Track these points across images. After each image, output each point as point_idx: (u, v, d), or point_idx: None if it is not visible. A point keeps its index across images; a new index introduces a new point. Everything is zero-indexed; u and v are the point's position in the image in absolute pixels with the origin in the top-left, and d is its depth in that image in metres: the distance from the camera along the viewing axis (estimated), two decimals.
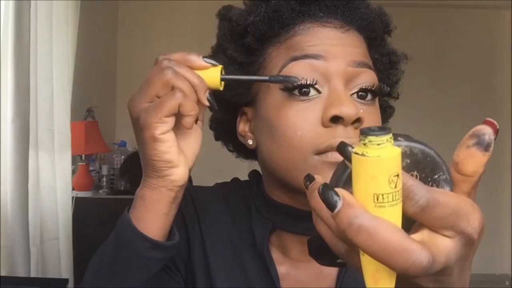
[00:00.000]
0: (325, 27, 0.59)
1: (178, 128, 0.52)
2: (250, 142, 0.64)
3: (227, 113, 0.67)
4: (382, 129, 0.31)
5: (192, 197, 0.70)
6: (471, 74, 3.72)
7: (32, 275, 1.80)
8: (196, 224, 0.68)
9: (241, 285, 0.65)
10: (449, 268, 0.34)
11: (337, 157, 0.47)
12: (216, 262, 0.66)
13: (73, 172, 2.36)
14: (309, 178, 0.37)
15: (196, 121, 0.54)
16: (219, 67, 0.54)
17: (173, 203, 0.54)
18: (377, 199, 0.31)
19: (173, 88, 0.50)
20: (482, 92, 3.73)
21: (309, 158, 0.56)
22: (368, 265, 0.33)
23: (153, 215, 0.53)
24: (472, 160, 0.34)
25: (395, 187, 0.31)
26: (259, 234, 0.65)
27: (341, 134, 0.55)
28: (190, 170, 0.55)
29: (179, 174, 0.53)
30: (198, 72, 0.52)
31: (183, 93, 0.49)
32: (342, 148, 0.34)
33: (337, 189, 0.32)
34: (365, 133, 0.31)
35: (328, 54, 0.58)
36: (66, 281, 1.72)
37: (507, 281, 3.74)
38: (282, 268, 0.66)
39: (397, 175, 0.31)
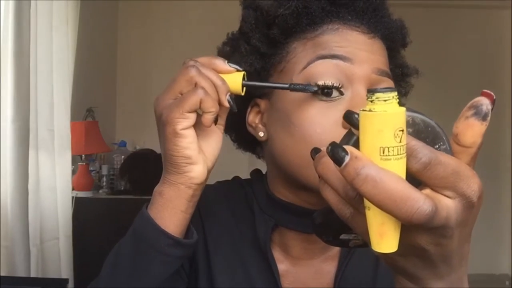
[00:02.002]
0: (353, 31, 0.60)
1: (199, 128, 0.54)
2: (261, 134, 0.65)
3: (237, 102, 0.67)
4: (388, 88, 0.33)
5: None
6: (471, 74, 3.72)
7: (32, 275, 1.80)
8: (199, 221, 0.69)
9: (242, 282, 0.66)
10: (449, 228, 0.35)
11: None
12: (217, 259, 0.67)
13: (73, 172, 2.36)
14: (316, 150, 0.39)
15: (215, 122, 0.55)
16: (242, 72, 0.56)
17: (190, 201, 0.55)
18: (383, 152, 0.33)
19: (196, 85, 0.51)
20: None
21: None
22: (373, 219, 0.34)
23: (170, 212, 0.54)
24: (471, 130, 0.36)
25: (400, 141, 0.32)
26: (261, 232, 0.66)
27: None
28: (209, 172, 0.56)
29: (197, 171, 0.54)
30: (222, 76, 0.54)
31: (205, 90, 0.51)
32: (349, 116, 0.35)
33: (344, 146, 0.34)
34: (372, 91, 0.33)
35: (355, 58, 0.58)
36: (66, 281, 1.72)
37: (507, 281, 3.74)
38: (283, 266, 0.66)
39: (402, 130, 0.33)
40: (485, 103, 0.36)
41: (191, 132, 0.52)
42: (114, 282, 0.55)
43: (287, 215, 0.65)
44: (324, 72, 0.57)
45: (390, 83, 0.60)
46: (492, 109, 0.36)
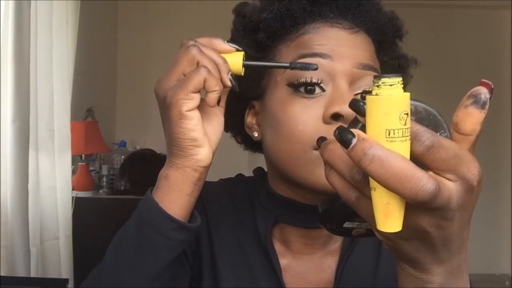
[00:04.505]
0: (334, 28, 0.61)
1: (202, 111, 0.53)
2: (256, 134, 0.67)
3: (237, 105, 0.69)
4: (394, 74, 0.35)
5: None
6: (471, 74, 3.72)
7: (32, 275, 1.80)
8: (203, 216, 0.70)
9: (244, 276, 0.67)
10: (451, 210, 0.37)
11: None
12: (221, 254, 0.68)
13: (73, 172, 2.36)
14: (322, 139, 0.41)
15: (219, 102, 0.55)
16: (242, 52, 0.56)
17: (196, 184, 0.55)
18: (389, 134, 0.34)
19: (198, 64, 0.51)
20: None
21: (308, 152, 0.58)
22: (379, 199, 0.35)
23: (176, 195, 0.54)
24: (470, 118, 0.37)
25: (405, 124, 0.34)
26: (262, 227, 0.67)
27: None
28: (213, 155, 0.56)
29: (203, 154, 0.53)
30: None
31: (208, 69, 0.51)
32: (355, 103, 0.37)
33: (351, 129, 0.35)
34: (378, 76, 0.35)
35: (335, 54, 0.59)
36: (66, 281, 1.72)
37: (507, 281, 3.74)
38: (284, 260, 0.68)
39: (407, 114, 0.34)
40: (483, 92, 0.37)
41: (196, 114, 0.51)
42: (118, 265, 0.55)
43: (286, 210, 0.66)
44: (306, 71, 0.59)
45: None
46: (490, 98, 0.37)
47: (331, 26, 0.62)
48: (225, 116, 0.73)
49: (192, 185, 0.54)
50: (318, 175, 0.57)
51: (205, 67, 0.51)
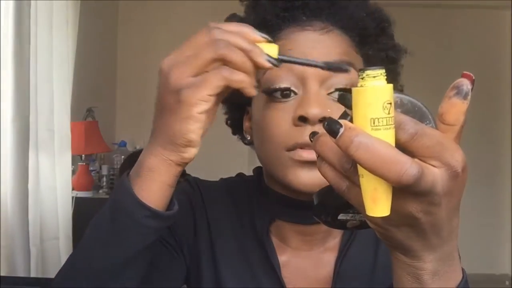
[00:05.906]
0: (304, 31, 0.63)
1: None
2: (249, 137, 0.71)
3: (235, 111, 0.73)
4: (377, 66, 0.37)
5: (199, 188, 0.74)
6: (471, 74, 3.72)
7: (32, 275, 1.80)
8: (203, 213, 0.72)
9: (245, 273, 0.69)
10: (436, 195, 0.38)
11: (303, 155, 0.59)
12: (220, 250, 0.70)
13: (73, 172, 2.36)
14: (314, 134, 0.43)
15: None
16: (277, 46, 0.50)
17: (178, 176, 0.54)
18: (374, 123, 0.36)
19: (224, 61, 0.47)
20: (482, 92, 3.71)
21: (281, 154, 0.62)
22: (367, 185, 0.37)
23: (159, 186, 0.53)
24: (453, 109, 0.39)
25: (389, 113, 0.36)
26: (259, 224, 0.70)
27: (308, 132, 0.60)
28: None
29: (192, 153, 0.51)
30: None
31: (230, 69, 0.47)
32: (343, 97, 0.39)
33: (339, 120, 0.38)
34: (363, 69, 0.37)
35: (304, 57, 0.60)
36: None
37: (507, 281, 3.74)
38: (283, 257, 0.69)
39: (390, 103, 0.36)
40: (465, 84, 0.39)
41: (204, 117, 0.48)
42: (91, 248, 0.55)
43: (282, 207, 0.68)
44: (277, 77, 0.61)
45: (348, 73, 0.59)
46: (472, 89, 0.40)
47: (302, 29, 0.63)
48: (229, 120, 0.77)
49: (174, 177, 0.53)
50: (293, 175, 0.61)
51: (227, 68, 0.47)
